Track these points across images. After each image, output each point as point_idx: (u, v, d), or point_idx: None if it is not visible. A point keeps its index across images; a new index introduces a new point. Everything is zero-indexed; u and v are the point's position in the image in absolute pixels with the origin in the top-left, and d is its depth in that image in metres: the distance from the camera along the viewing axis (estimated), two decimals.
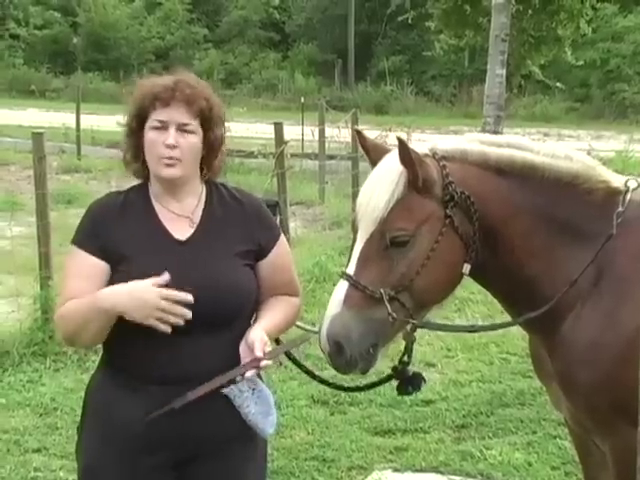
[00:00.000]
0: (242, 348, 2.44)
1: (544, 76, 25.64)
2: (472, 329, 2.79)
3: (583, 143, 18.86)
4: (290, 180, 9.16)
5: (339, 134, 15.40)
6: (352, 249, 2.69)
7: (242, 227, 2.55)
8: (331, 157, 14.67)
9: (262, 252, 2.56)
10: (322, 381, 3.06)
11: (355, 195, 11.52)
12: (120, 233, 2.47)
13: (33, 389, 5.56)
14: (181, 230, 2.50)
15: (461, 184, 2.65)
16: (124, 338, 2.41)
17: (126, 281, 2.38)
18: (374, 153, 2.78)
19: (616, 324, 2.69)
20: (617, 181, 2.81)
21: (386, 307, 2.57)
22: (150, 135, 2.47)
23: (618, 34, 31.95)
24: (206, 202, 2.56)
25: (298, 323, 3.28)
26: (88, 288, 2.42)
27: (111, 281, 2.44)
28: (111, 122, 22.06)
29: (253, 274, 2.54)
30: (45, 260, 6.40)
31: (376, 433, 5.04)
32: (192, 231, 2.51)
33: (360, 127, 14.19)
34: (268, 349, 2.42)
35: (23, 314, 6.33)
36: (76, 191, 13.19)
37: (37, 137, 6.48)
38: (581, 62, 21.98)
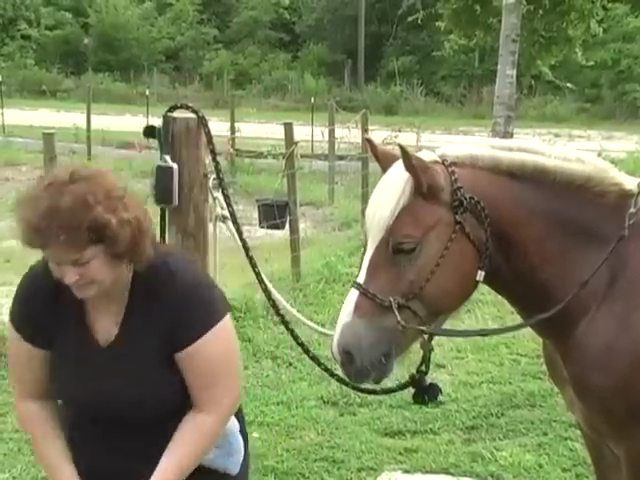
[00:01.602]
0: None
1: (554, 76, 25.63)
2: (482, 333, 2.75)
3: (594, 144, 18.82)
4: (300, 181, 9.15)
5: (349, 135, 15.40)
6: (362, 258, 2.66)
7: (160, 327, 2.29)
8: (341, 158, 14.68)
9: (175, 347, 2.30)
10: (340, 380, 3.04)
11: (365, 196, 11.63)
12: (48, 322, 2.35)
13: None
14: (105, 332, 2.35)
15: (471, 189, 2.62)
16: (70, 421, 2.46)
17: (51, 371, 2.38)
18: (384, 161, 2.75)
19: (631, 327, 2.66)
20: (630, 183, 2.79)
21: (395, 316, 2.54)
22: (50, 264, 2.23)
23: (629, 34, 31.87)
24: (131, 298, 2.33)
25: (312, 325, 3.30)
26: (31, 375, 2.40)
27: (53, 366, 2.39)
28: (121, 122, 22.22)
29: (172, 377, 2.32)
30: None
31: (386, 434, 5.02)
32: (113, 336, 2.34)
33: (370, 128, 14.20)
34: None
35: None
36: None
37: (48, 137, 6.50)
38: (592, 62, 21.92)
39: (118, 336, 2.33)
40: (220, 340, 2.32)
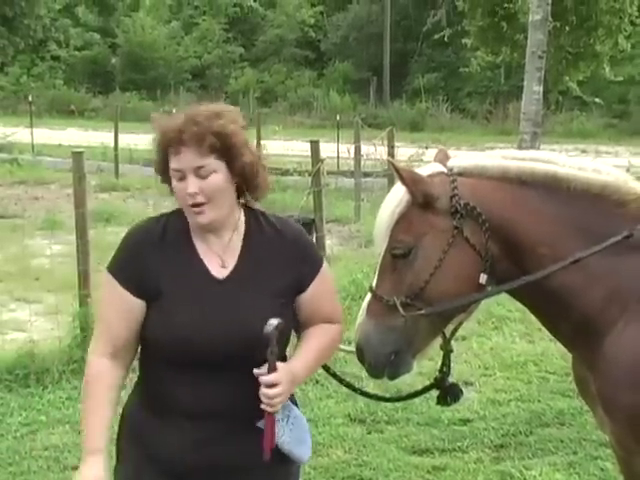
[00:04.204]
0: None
1: (581, 92, 25.48)
2: (476, 298, 2.77)
3: (622, 160, 18.66)
4: (326, 198, 9.16)
5: (375, 152, 15.40)
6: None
7: (281, 262, 2.48)
8: (367, 175, 14.67)
9: (302, 286, 2.51)
10: (363, 393, 3.14)
11: None
12: (158, 266, 2.42)
13: (72, 406, 5.59)
14: (219, 266, 2.45)
15: (472, 197, 2.71)
16: (155, 369, 2.45)
17: (159, 317, 2.40)
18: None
19: None
20: None
21: (400, 312, 2.69)
22: (174, 185, 2.42)
23: None
24: (245, 235, 2.49)
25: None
26: (123, 328, 2.43)
27: (147, 314, 2.43)
28: (148, 141, 22.27)
29: (290, 311, 2.49)
30: (84, 278, 6.47)
31: (414, 452, 5.00)
32: (230, 268, 2.45)
33: (396, 144, 14.20)
34: (275, 404, 2.34)
35: (62, 331, 6.40)
36: (114, 209, 13.34)
37: (77, 156, 6.55)
38: (620, 78, 21.77)
39: (236, 268, 2.44)
40: (327, 276, 2.61)
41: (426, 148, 17.39)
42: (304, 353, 2.50)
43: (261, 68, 40.99)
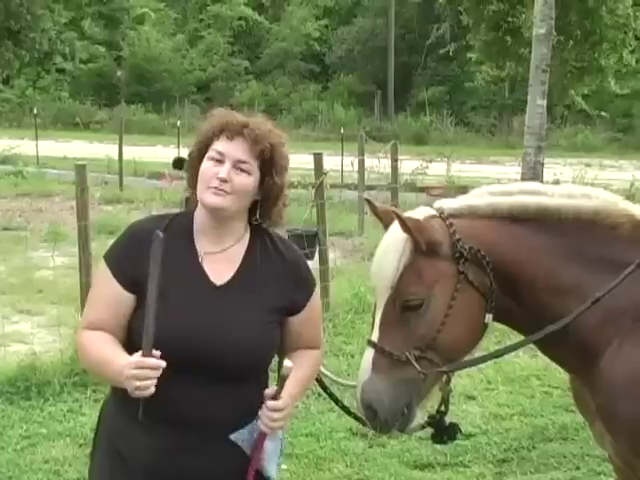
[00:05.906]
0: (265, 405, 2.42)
1: (586, 105, 25.53)
2: (497, 354, 2.81)
3: (626, 174, 18.65)
4: (329, 211, 9.16)
5: (379, 165, 15.41)
6: (374, 316, 2.77)
7: (279, 282, 2.50)
8: (371, 188, 14.67)
9: (294, 309, 2.53)
10: (357, 418, 3.09)
11: None
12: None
13: (73, 419, 5.58)
14: (219, 273, 2.45)
15: (471, 239, 2.70)
16: None
17: (152, 316, 2.34)
18: (385, 218, 2.85)
19: None
20: None
21: (414, 367, 2.64)
22: (205, 164, 2.43)
23: None
24: (248, 248, 2.50)
25: (327, 373, 3.30)
26: (109, 316, 2.42)
27: (137, 314, 2.39)
28: (153, 153, 22.48)
29: (279, 331, 2.51)
30: (87, 290, 6.45)
31: (416, 467, 4.97)
32: (229, 277, 2.46)
33: (400, 158, 14.21)
34: (275, 427, 2.40)
35: (64, 344, 6.38)
36: (118, 221, 13.31)
37: (80, 169, 6.55)
38: (627, 91, 21.81)
39: (234, 277, 2.45)
40: (318, 300, 2.64)
41: (430, 162, 17.40)
42: (292, 385, 2.46)
43: (266, 81, 41.14)
